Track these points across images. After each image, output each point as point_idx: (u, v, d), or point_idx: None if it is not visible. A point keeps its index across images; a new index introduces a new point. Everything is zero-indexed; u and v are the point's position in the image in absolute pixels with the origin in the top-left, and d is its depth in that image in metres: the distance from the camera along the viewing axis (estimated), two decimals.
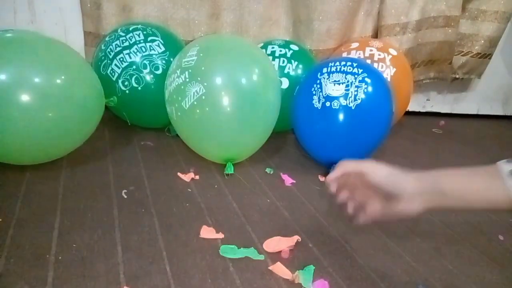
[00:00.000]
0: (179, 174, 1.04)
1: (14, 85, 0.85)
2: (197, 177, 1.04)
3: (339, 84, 1.05)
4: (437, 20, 1.52)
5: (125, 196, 0.91)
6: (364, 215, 0.62)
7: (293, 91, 1.19)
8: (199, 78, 0.97)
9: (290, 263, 0.74)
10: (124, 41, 1.20)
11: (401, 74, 1.34)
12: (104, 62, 1.21)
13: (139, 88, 1.20)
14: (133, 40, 1.20)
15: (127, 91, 1.20)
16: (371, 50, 1.34)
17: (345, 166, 0.63)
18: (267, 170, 1.13)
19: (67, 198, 0.88)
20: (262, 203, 0.95)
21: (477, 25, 1.61)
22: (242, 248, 0.77)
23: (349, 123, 1.05)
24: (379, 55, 1.33)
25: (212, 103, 0.98)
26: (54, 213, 0.81)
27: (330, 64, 1.10)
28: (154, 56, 1.20)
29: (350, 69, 1.07)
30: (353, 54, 1.35)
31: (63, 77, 0.91)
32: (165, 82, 1.08)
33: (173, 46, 1.25)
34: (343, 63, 1.09)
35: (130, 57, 1.19)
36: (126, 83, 1.20)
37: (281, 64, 1.28)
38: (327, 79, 1.07)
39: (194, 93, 0.97)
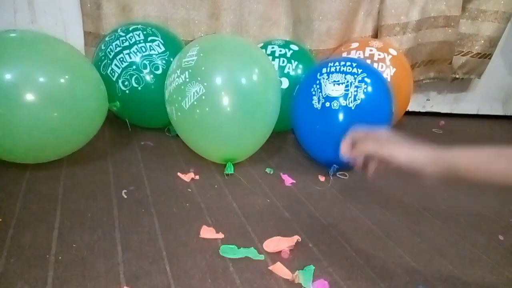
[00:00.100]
0: (179, 174, 1.04)
1: (21, 85, 0.86)
2: (197, 177, 1.04)
3: (338, 84, 1.05)
4: (437, 20, 1.52)
5: (125, 196, 0.91)
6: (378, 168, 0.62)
7: (293, 91, 1.19)
8: (199, 78, 0.97)
9: (290, 263, 0.74)
10: (124, 41, 1.20)
11: (401, 74, 1.34)
12: (104, 62, 1.21)
13: (139, 88, 1.20)
14: (133, 40, 1.20)
15: (127, 91, 1.20)
16: (371, 50, 1.34)
17: (357, 134, 0.63)
18: (267, 170, 1.13)
19: (67, 198, 0.88)
20: (262, 203, 0.95)
21: (477, 25, 1.61)
22: (242, 248, 0.77)
23: (348, 123, 1.04)
24: (379, 55, 1.33)
25: (212, 103, 0.98)
26: (54, 213, 0.81)
27: (329, 64, 1.10)
28: (154, 56, 1.20)
29: (349, 69, 1.07)
30: (353, 54, 1.35)
31: (67, 77, 0.92)
32: (165, 82, 1.08)
33: (173, 46, 1.24)
34: (342, 63, 1.09)
35: (130, 57, 1.19)
36: (126, 83, 1.19)
37: (281, 64, 1.28)
38: (327, 79, 1.07)
39: (194, 93, 0.97)
